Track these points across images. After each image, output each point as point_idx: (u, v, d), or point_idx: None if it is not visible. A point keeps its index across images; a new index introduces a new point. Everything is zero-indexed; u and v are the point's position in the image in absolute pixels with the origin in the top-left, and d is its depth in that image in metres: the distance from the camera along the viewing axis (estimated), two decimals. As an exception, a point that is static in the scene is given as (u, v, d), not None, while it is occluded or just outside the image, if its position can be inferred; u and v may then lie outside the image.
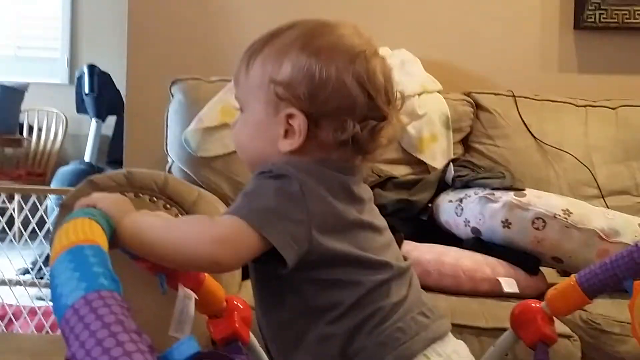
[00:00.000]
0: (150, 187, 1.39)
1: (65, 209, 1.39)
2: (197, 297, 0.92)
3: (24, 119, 4.76)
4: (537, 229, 1.50)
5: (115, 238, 0.71)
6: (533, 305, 1.14)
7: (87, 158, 4.23)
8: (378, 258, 0.78)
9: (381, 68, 0.80)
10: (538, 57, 2.38)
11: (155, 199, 1.39)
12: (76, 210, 0.71)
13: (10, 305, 2.26)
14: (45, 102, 4.80)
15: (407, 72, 2.07)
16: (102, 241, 0.64)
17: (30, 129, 4.80)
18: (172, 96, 2.05)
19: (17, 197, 2.48)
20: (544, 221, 1.49)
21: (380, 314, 0.76)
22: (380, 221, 0.84)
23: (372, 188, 1.82)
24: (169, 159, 2.04)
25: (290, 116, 0.78)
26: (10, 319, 2.22)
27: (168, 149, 2.03)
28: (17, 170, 4.51)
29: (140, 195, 1.39)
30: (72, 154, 4.77)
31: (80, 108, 4.36)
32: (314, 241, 0.73)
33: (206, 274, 0.94)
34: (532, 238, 1.51)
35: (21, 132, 4.73)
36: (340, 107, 0.77)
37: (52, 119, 4.78)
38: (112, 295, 0.55)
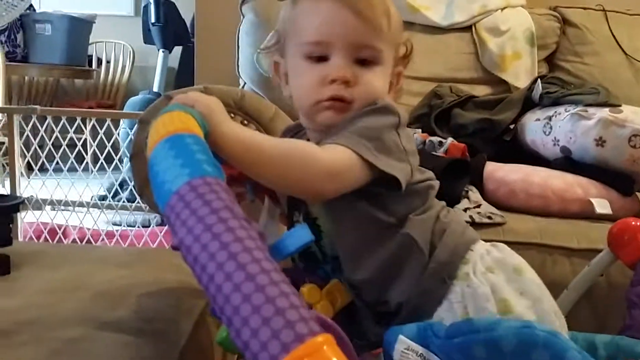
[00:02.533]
0: (227, 102, 1.35)
1: (144, 124, 1.37)
2: (282, 211, 0.88)
3: (93, 51, 4.81)
4: (633, 147, 1.40)
5: (209, 142, 0.66)
6: (633, 223, 1.07)
7: (155, 88, 4.25)
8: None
9: None
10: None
11: (232, 115, 1.36)
12: (172, 105, 0.67)
13: (88, 229, 2.30)
14: (112, 34, 4.83)
15: (488, -15, 1.96)
16: (200, 134, 0.60)
17: (99, 61, 4.85)
18: (243, 16, 1.99)
19: (89, 124, 2.50)
20: (642, 138, 1.39)
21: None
22: None
23: (451, 108, 1.76)
24: (241, 82, 2.00)
25: (396, 74, 0.83)
26: (88, 241, 2.27)
27: (240, 71, 1.99)
28: (87, 101, 4.58)
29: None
30: (140, 85, 4.82)
31: (147, 39, 4.36)
32: (414, 175, 0.75)
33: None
34: (627, 157, 1.42)
35: (90, 64, 4.79)
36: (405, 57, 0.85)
37: (120, 50, 4.80)
38: (217, 181, 0.51)
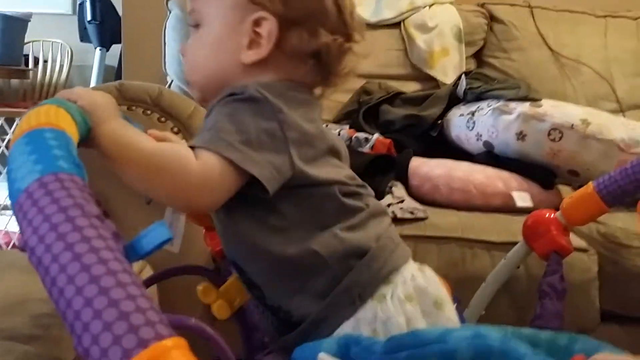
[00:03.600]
0: (144, 99, 1.31)
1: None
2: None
3: (29, 50, 4.67)
4: (553, 140, 1.42)
5: (91, 139, 0.64)
6: (547, 215, 1.08)
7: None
8: (357, 189, 0.73)
9: None
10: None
11: (149, 112, 1.32)
12: (50, 99, 0.63)
13: (13, 233, 2.24)
14: (49, 33, 4.70)
15: (417, -18, 1.96)
16: (70, 129, 0.57)
17: (36, 60, 4.71)
18: (169, 11, 1.95)
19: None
20: (560, 132, 1.41)
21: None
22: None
23: (379, 104, 1.76)
24: (168, 79, 1.96)
25: (257, 22, 0.70)
26: (14, 246, 2.21)
27: (167, 67, 1.95)
28: (23, 102, 4.44)
29: (134, 108, 1.32)
30: (79, 84, 4.68)
31: (84, 37, 4.26)
32: (296, 168, 0.67)
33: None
34: (547, 150, 1.44)
35: (26, 64, 4.65)
36: (313, 13, 0.70)
37: (57, 49, 4.67)
38: (72, 178, 0.48)
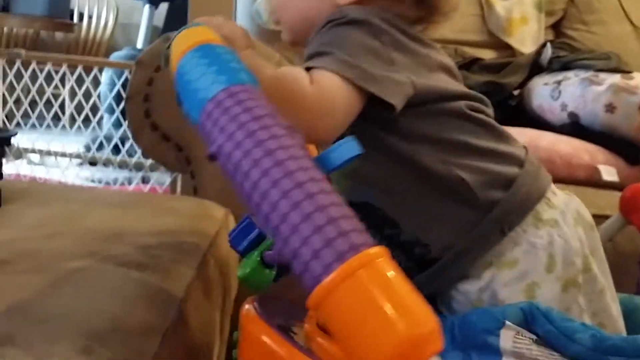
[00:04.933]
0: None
1: (142, 65, 1.31)
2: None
3: (74, 5, 4.66)
4: (644, 114, 1.37)
5: None
6: (647, 187, 1.05)
7: (139, 45, 4.14)
8: (480, 106, 0.72)
9: None
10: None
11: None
12: (194, 22, 0.62)
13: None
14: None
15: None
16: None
17: (81, 15, 4.71)
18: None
19: (75, 74, 2.41)
20: (654, 106, 1.36)
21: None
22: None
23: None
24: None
25: None
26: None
27: (236, 22, 1.92)
28: (68, 56, 4.45)
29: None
30: (123, 43, 4.69)
31: (134, -7, 4.25)
32: (416, 84, 0.64)
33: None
34: (637, 124, 1.39)
35: (72, 18, 4.64)
36: None
37: (103, 5, 4.67)
38: (257, 91, 0.47)
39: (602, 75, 1.43)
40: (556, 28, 1.95)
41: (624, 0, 1.93)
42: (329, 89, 0.60)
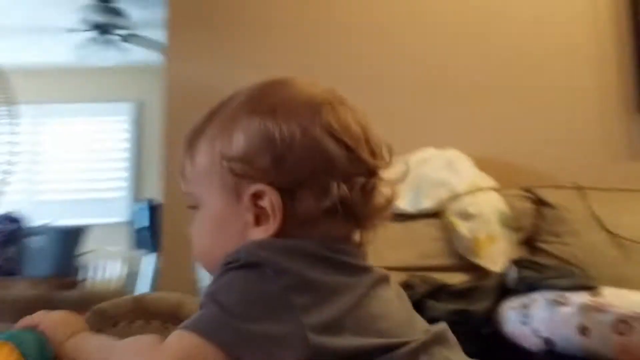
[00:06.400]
0: (162, 312, 1.25)
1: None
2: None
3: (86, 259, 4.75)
4: (621, 334, 1.24)
5: (59, 358, 0.64)
6: None
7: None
8: (399, 340, 0.63)
9: (354, 116, 0.66)
10: (599, 145, 2.20)
11: (167, 325, 1.24)
12: (6, 332, 0.64)
13: None
14: (104, 241, 4.82)
15: (455, 170, 1.90)
16: None
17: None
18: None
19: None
20: (628, 324, 1.23)
21: None
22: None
23: (422, 299, 1.61)
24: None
25: (257, 196, 0.64)
26: None
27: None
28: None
29: (151, 322, 1.25)
30: (130, 292, 4.71)
31: (138, 244, 4.36)
32: (311, 343, 0.56)
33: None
34: (617, 346, 1.25)
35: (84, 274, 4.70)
36: (316, 168, 0.62)
37: (112, 258, 4.76)
38: None
39: (568, 294, 1.33)
40: (529, 243, 1.88)
41: (596, 207, 1.87)
42: (182, 350, 0.55)
